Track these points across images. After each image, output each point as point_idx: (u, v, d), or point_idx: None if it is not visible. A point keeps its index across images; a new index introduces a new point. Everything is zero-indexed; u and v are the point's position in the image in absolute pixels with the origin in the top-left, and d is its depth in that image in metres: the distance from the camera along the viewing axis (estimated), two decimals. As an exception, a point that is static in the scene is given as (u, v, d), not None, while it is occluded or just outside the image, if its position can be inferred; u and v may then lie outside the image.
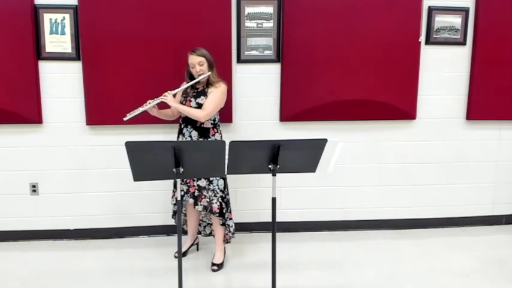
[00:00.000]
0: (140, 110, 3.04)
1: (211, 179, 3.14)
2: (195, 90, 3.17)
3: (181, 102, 3.15)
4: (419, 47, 3.67)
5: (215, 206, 3.15)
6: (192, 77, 3.13)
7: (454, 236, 3.84)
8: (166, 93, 3.05)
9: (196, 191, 3.15)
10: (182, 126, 3.18)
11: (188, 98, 3.14)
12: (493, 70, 3.75)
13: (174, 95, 3.11)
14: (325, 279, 3.10)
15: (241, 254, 3.46)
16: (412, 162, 3.89)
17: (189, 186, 3.17)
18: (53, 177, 3.62)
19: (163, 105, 3.14)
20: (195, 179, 3.13)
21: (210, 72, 3.10)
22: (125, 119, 3.04)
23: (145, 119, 3.43)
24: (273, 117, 3.72)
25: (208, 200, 3.15)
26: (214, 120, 3.16)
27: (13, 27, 3.34)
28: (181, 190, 3.16)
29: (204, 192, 3.15)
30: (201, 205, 3.15)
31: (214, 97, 3.09)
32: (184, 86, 3.15)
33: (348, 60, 3.60)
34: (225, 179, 3.25)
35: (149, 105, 3.05)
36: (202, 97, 3.10)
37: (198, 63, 3.07)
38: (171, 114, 3.28)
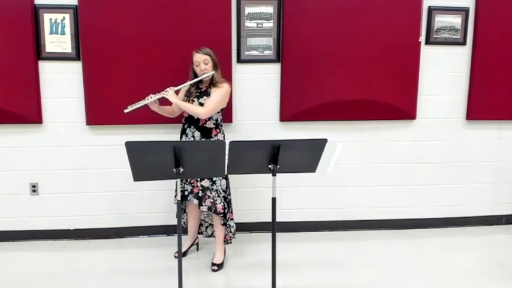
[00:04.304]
0: (141, 103, 3.04)
1: (214, 179, 3.14)
2: (198, 90, 3.17)
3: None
4: (419, 47, 3.67)
5: (219, 206, 3.15)
6: (196, 76, 3.14)
7: (454, 236, 3.84)
8: (168, 89, 3.06)
9: (200, 192, 3.15)
10: (185, 126, 3.19)
11: (191, 98, 3.14)
12: (493, 70, 3.75)
13: (177, 92, 3.12)
14: (325, 279, 3.10)
15: (241, 254, 3.46)
16: (412, 162, 3.89)
17: (193, 187, 3.17)
18: (53, 177, 3.62)
19: (164, 102, 3.15)
20: (199, 179, 3.13)
21: (214, 72, 3.10)
22: (125, 111, 3.03)
23: (145, 118, 3.43)
24: (273, 117, 3.72)
25: (212, 200, 3.14)
26: (216, 120, 3.16)
27: (13, 27, 3.34)
28: (185, 190, 3.17)
29: (208, 193, 3.14)
30: (205, 206, 3.14)
31: (217, 96, 3.10)
32: (187, 83, 3.15)
33: (347, 60, 3.60)
34: (227, 179, 3.26)
35: (150, 100, 3.05)
36: (205, 97, 3.11)
37: (203, 61, 3.08)
38: (171, 111, 3.28)
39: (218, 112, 3.17)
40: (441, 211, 4.00)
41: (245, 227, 3.77)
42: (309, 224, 3.89)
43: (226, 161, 2.49)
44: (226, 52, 3.49)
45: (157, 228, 3.77)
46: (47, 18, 3.40)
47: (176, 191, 3.29)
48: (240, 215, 3.67)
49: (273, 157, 2.51)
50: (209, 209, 3.15)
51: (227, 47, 3.52)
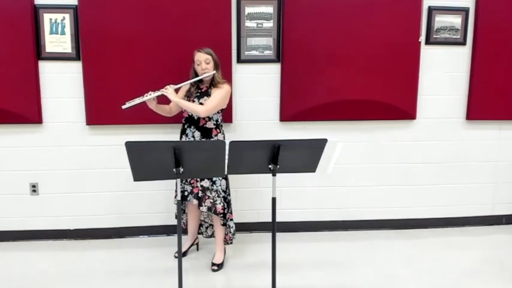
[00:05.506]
0: (140, 100, 3.02)
1: (214, 179, 3.14)
2: (199, 91, 3.17)
3: None
4: (419, 47, 3.68)
5: (219, 207, 3.15)
6: (197, 76, 3.14)
7: (454, 236, 3.84)
8: (167, 86, 3.05)
9: (200, 192, 3.15)
10: (185, 126, 3.18)
11: (191, 98, 3.14)
12: (493, 70, 3.75)
13: (177, 91, 3.12)
14: (325, 279, 3.10)
15: (241, 254, 3.46)
16: (412, 162, 3.89)
17: (193, 187, 3.16)
18: (53, 177, 3.62)
19: (164, 101, 3.15)
20: (199, 179, 3.13)
21: (214, 71, 3.10)
22: (123, 107, 3.02)
23: (145, 118, 3.44)
24: (273, 117, 3.72)
25: (212, 200, 3.14)
26: (216, 120, 3.16)
27: (13, 27, 3.34)
28: (185, 190, 3.17)
29: (208, 193, 3.14)
30: (205, 206, 3.14)
31: (217, 95, 3.10)
32: (188, 81, 3.15)
33: (347, 60, 3.60)
34: (227, 179, 3.26)
35: (149, 96, 3.04)
36: (205, 97, 3.11)
37: (204, 60, 3.08)
38: (169, 111, 3.26)
39: (218, 112, 3.17)
40: (441, 211, 4.00)
41: (245, 227, 3.77)
42: (309, 224, 3.89)
43: (226, 161, 2.49)
44: (226, 52, 3.49)
45: (157, 228, 3.77)
46: (47, 18, 3.40)
47: (176, 191, 3.30)
48: (240, 215, 3.67)
49: (273, 157, 2.51)
50: (209, 209, 3.15)
51: (227, 47, 3.51)
